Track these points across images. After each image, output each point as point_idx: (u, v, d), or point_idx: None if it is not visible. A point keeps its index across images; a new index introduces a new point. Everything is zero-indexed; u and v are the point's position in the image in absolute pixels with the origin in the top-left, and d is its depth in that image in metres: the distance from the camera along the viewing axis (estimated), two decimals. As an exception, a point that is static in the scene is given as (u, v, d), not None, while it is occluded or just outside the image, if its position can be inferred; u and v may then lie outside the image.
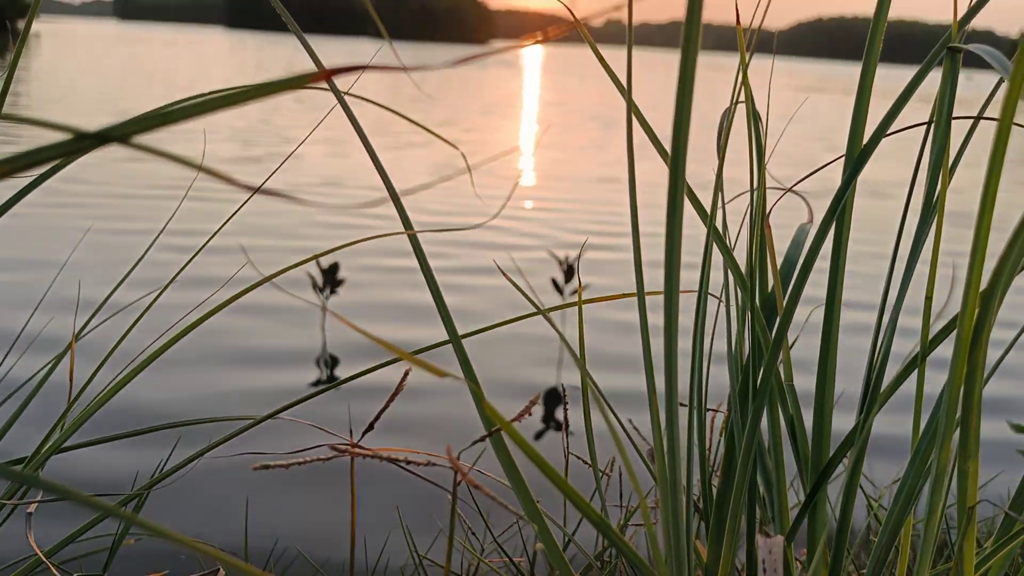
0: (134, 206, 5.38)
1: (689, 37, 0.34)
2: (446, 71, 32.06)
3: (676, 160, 0.52)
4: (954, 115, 0.70)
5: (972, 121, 0.79)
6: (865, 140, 0.72)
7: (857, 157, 0.66)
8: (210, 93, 0.40)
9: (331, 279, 4.00)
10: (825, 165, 0.84)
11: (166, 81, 16.81)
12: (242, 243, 4.39)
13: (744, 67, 0.74)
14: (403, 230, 0.61)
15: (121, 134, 0.35)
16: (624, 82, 0.75)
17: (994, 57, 0.54)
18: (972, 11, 0.64)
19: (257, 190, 0.44)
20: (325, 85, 0.81)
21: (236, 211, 0.91)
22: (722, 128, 0.86)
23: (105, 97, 12.04)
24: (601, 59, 0.80)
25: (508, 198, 5.96)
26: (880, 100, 0.58)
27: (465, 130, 11.19)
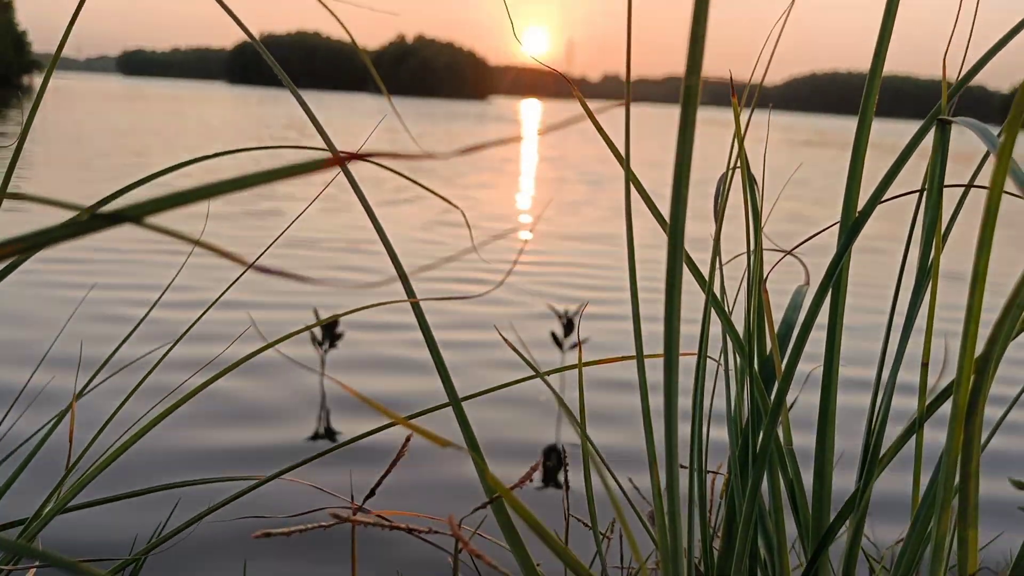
0: (138, 264, 5.41)
1: (684, 141, 0.35)
2: (446, 126, 32.43)
3: (675, 232, 0.53)
4: (946, 183, 0.72)
5: (967, 180, 0.81)
6: (860, 203, 0.74)
7: (851, 225, 0.67)
8: (220, 181, 0.41)
9: (330, 334, 4.01)
10: (821, 231, 0.85)
11: (172, 141, 16.99)
12: (242, 297, 4.40)
13: (740, 138, 0.75)
14: (405, 298, 0.62)
15: (133, 215, 0.36)
16: (622, 146, 0.76)
17: (981, 132, 0.55)
18: (961, 82, 0.65)
19: (250, 266, 0.45)
20: (334, 151, 0.83)
21: (230, 286, 0.92)
22: (719, 194, 0.87)
23: (110, 160, 12.16)
24: (598, 126, 0.82)
25: (512, 266, 5.98)
26: (874, 153, 0.60)
27: (463, 186, 11.31)
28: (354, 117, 34.71)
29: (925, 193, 0.66)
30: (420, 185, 0.80)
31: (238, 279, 0.78)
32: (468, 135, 26.68)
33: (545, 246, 7.09)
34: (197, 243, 0.43)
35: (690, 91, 0.37)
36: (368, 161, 0.43)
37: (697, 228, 7.24)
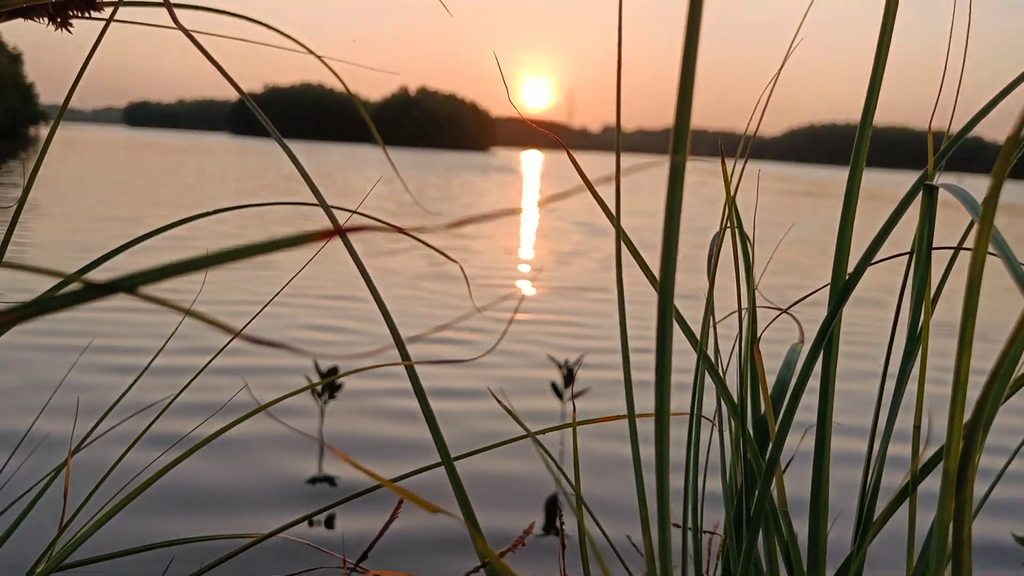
0: (133, 321, 5.41)
1: (672, 217, 0.36)
2: (446, 176, 32.68)
3: (665, 290, 0.54)
4: (937, 244, 0.72)
5: (963, 226, 0.82)
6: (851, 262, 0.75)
7: (841, 288, 0.68)
8: (216, 251, 0.42)
9: (329, 384, 4.00)
10: (813, 292, 0.86)
11: (173, 191, 17.10)
12: (238, 345, 4.40)
13: (730, 199, 0.77)
14: (400, 361, 0.62)
15: (128, 285, 0.37)
16: (613, 203, 0.77)
17: (965, 199, 0.56)
18: (946, 149, 0.67)
19: (237, 334, 0.45)
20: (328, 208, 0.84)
21: (219, 352, 0.93)
22: (712, 254, 0.88)
23: (110, 210, 12.23)
24: (592, 188, 0.83)
25: (508, 324, 5.97)
26: (872, 206, 0.60)
27: (461, 236, 11.34)
28: (356, 168, 34.97)
29: (913, 260, 0.66)
30: (417, 239, 0.81)
31: (227, 345, 0.78)
32: (468, 187, 26.87)
33: (541, 297, 7.09)
34: (188, 312, 0.43)
35: (676, 169, 0.38)
36: (362, 231, 0.44)
37: (691, 280, 7.27)
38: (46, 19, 0.88)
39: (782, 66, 0.82)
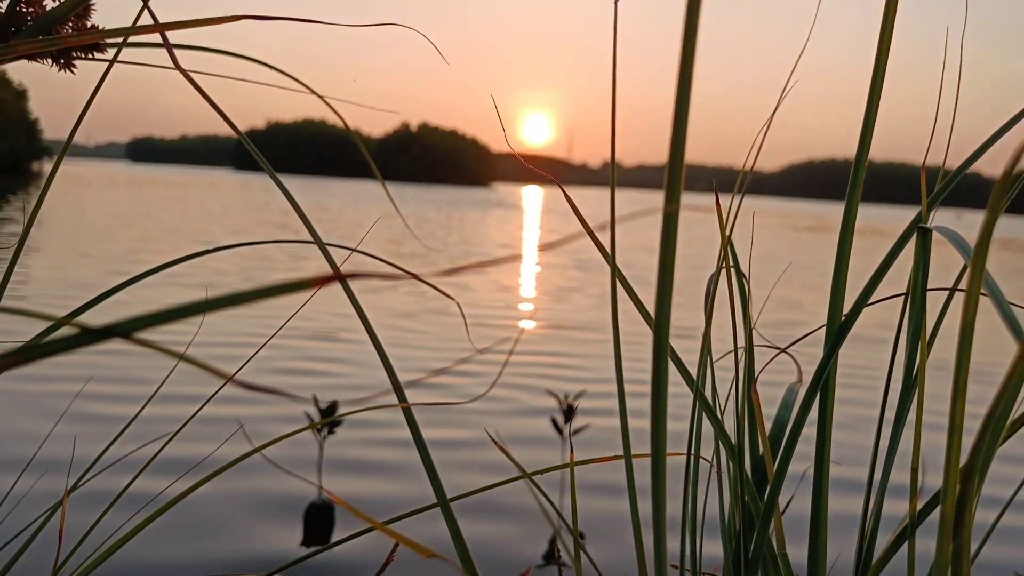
0: (132, 356, 5.40)
1: (665, 270, 0.36)
2: (448, 212, 32.81)
3: (660, 333, 0.54)
4: (930, 286, 0.73)
5: (955, 274, 0.82)
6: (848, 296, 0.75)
7: (837, 331, 0.68)
8: (213, 297, 0.42)
9: (329, 420, 3.97)
10: (810, 333, 0.86)
11: (173, 227, 17.15)
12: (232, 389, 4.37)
13: (726, 242, 0.77)
14: (397, 403, 0.62)
15: (123, 330, 0.37)
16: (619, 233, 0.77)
17: (957, 242, 0.56)
18: (939, 192, 0.67)
19: (230, 379, 0.45)
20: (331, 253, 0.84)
21: (212, 396, 0.93)
22: (709, 293, 0.88)
23: (110, 247, 12.25)
24: (588, 229, 0.83)
25: (504, 365, 5.96)
26: (871, 241, 0.61)
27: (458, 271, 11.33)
28: (357, 203, 35.10)
29: (909, 302, 0.67)
30: (415, 277, 0.81)
31: (219, 390, 0.78)
32: (468, 223, 26.93)
33: (536, 337, 7.06)
34: (182, 358, 0.43)
35: (670, 219, 0.38)
36: (361, 277, 0.44)
37: (689, 317, 7.26)
38: (50, 60, 0.89)
39: (776, 107, 0.83)
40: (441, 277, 0.36)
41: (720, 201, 0.82)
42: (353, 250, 0.99)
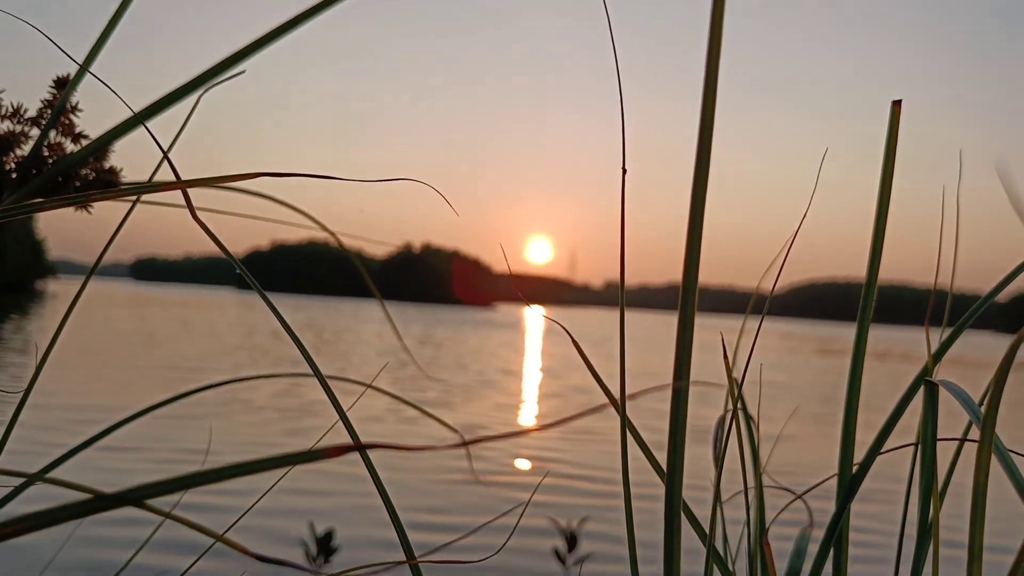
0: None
1: (676, 438, 0.36)
2: (451, 333, 32.90)
3: (672, 476, 0.53)
4: (940, 437, 0.72)
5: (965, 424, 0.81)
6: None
7: (848, 482, 0.67)
8: (227, 464, 0.42)
9: (325, 547, 3.88)
10: (822, 482, 0.85)
11: (176, 349, 17.15)
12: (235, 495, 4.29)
13: (733, 391, 0.77)
14: (404, 559, 0.61)
15: (135, 497, 0.37)
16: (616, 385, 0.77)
17: (965, 401, 0.57)
18: (942, 349, 0.68)
19: (218, 539, 0.45)
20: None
21: (198, 557, 0.91)
22: (717, 438, 0.88)
23: (111, 371, 12.22)
24: (593, 372, 0.84)
25: (511, 533, 5.88)
26: (875, 362, 0.60)
27: (463, 400, 11.29)
28: (360, 324, 35.23)
29: (919, 454, 0.66)
30: (424, 412, 0.81)
31: (208, 550, 0.77)
32: (472, 342, 26.96)
33: (541, 487, 6.90)
34: (192, 526, 0.43)
35: (679, 395, 0.39)
36: (376, 448, 0.44)
37: (698, 454, 7.11)
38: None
39: (792, 240, 0.84)
40: (453, 449, 0.36)
41: (724, 332, 0.82)
42: (369, 385, 0.99)
